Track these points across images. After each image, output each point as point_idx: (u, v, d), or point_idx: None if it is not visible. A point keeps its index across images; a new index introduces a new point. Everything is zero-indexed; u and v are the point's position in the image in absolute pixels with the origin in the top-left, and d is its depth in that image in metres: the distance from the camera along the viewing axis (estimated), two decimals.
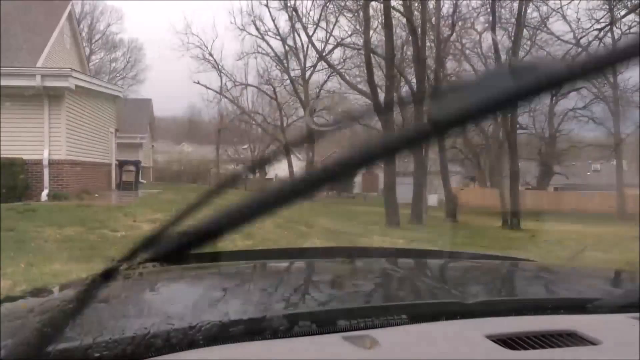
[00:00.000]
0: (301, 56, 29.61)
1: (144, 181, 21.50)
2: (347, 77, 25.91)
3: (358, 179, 39.63)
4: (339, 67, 26.77)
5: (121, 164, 17.06)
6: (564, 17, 24.20)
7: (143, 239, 0.62)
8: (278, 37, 29.72)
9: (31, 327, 0.62)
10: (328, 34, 27.51)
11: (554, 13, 23.83)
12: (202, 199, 0.61)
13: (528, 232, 16.00)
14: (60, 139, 11.91)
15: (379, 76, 20.21)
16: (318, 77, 30.60)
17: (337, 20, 26.66)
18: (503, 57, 21.36)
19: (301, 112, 31.12)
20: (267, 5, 28.27)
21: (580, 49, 24.53)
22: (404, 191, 17.89)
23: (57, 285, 1.44)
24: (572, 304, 1.11)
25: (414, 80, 19.76)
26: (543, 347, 0.86)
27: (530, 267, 1.83)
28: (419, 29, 17.60)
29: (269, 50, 30.24)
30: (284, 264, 1.78)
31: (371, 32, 19.82)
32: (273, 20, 30.49)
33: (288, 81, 30.18)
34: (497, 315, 1.01)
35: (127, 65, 42.64)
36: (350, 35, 26.39)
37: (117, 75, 41.61)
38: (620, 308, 1.07)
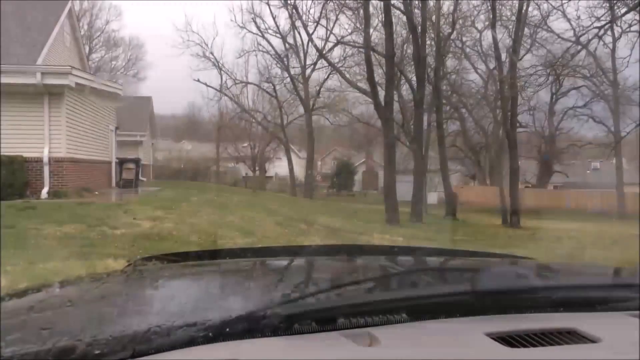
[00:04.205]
0: (301, 54, 29.59)
1: (144, 179, 21.49)
2: (347, 75, 25.88)
3: (358, 177, 39.64)
4: (339, 65, 26.75)
5: (121, 162, 17.06)
6: (564, 15, 24.16)
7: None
8: (278, 35, 29.71)
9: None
10: (328, 32, 27.50)
11: (554, 11, 23.80)
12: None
13: (528, 230, 16.02)
14: (61, 136, 11.90)
15: (379, 74, 20.19)
16: (318, 75, 30.58)
17: (337, 18, 26.65)
18: (503, 55, 21.34)
19: (301, 110, 31.08)
20: (267, 3, 28.24)
21: (580, 47, 24.53)
22: (404, 189, 17.89)
23: (57, 282, 1.44)
24: (572, 302, 1.11)
25: (414, 79, 19.74)
26: (543, 345, 0.86)
27: (529, 264, 1.83)
28: (419, 27, 17.57)
29: (269, 48, 30.24)
30: (283, 261, 1.79)
31: (371, 30, 19.80)
32: (273, 18, 30.44)
33: (288, 79, 30.16)
34: (496, 313, 1.01)
35: (128, 63, 42.64)
36: (350, 33, 26.36)
37: (117, 73, 41.60)
38: (620, 306, 1.07)
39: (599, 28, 22.97)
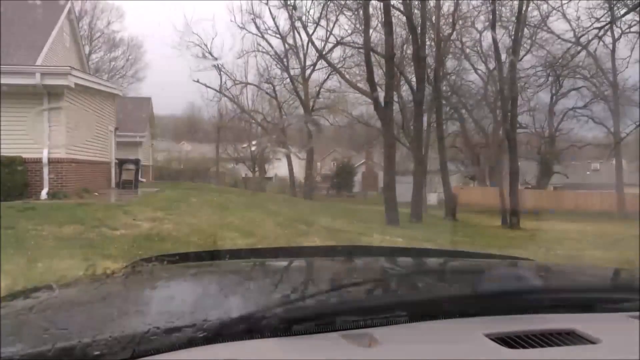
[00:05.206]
0: (301, 55, 29.59)
1: (144, 180, 21.49)
2: (347, 76, 25.89)
3: (358, 178, 39.64)
4: (339, 65, 26.76)
5: (121, 163, 17.05)
6: (564, 15, 24.20)
7: None
8: (278, 36, 29.71)
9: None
10: (328, 33, 27.51)
11: (554, 12, 23.84)
12: None
13: (527, 231, 16.01)
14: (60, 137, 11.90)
15: (378, 75, 20.19)
16: (318, 76, 30.56)
17: (337, 19, 26.66)
18: (503, 56, 21.35)
19: (301, 110, 31.09)
20: (267, 4, 28.26)
21: (580, 48, 24.55)
22: (404, 190, 17.89)
23: (57, 283, 1.44)
24: (572, 302, 1.11)
25: (414, 79, 19.75)
26: (542, 346, 0.86)
27: (529, 266, 1.83)
28: (419, 28, 17.58)
29: (269, 49, 30.24)
30: (283, 262, 1.78)
31: (371, 30, 19.80)
32: (273, 19, 30.44)
33: (288, 80, 30.17)
34: (496, 314, 1.01)
35: (127, 63, 42.55)
36: (350, 34, 26.38)
37: (117, 73, 41.54)
38: (619, 307, 1.07)
39: (599, 29, 23.02)
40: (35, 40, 15.71)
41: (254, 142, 33.67)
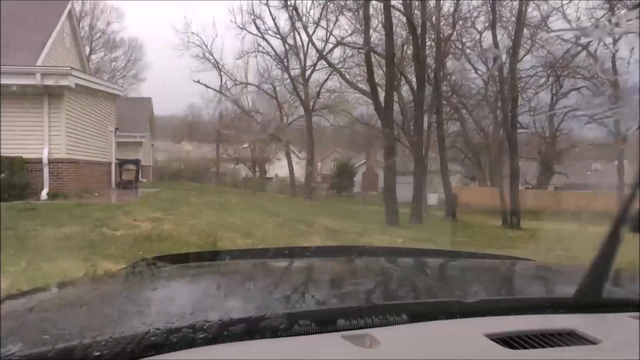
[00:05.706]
0: (301, 55, 29.60)
1: (144, 180, 21.50)
2: (347, 76, 25.90)
3: (358, 178, 39.62)
4: (339, 66, 26.76)
5: (121, 163, 17.06)
6: (564, 16, 24.17)
7: None
8: (278, 36, 29.73)
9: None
10: (328, 33, 27.54)
11: (554, 12, 23.81)
12: None
13: (528, 231, 16.00)
14: (60, 137, 11.90)
15: (379, 75, 20.19)
16: (318, 76, 30.58)
17: (337, 19, 26.69)
18: (504, 56, 21.33)
19: (301, 111, 31.10)
20: (267, 4, 28.27)
21: (580, 48, 24.55)
22: (404, 190, 17.88)
23: (57, 283, 1.44)
24: (572, 303, 1.11)
25: (414, 80, 19.74)
26: (542, 347, 0.86)
27: (529, 266, 1.84)
28: (419, 28, 17.58)
29: (269, 49, 30.26)
30: (283, 263, 1.78)
31: (371, 31, 19.82)
32: (273, 19, 30.54)
33: (288, 80, 30.17)
34: (496, 314, 1.01)
35: (128, 64, 42.61)
36: (350, 34, 26.42)
37: (117, 74, 41.59)
38: (620, 307, 1.07)
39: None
40: (35, 41, 15.72)
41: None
